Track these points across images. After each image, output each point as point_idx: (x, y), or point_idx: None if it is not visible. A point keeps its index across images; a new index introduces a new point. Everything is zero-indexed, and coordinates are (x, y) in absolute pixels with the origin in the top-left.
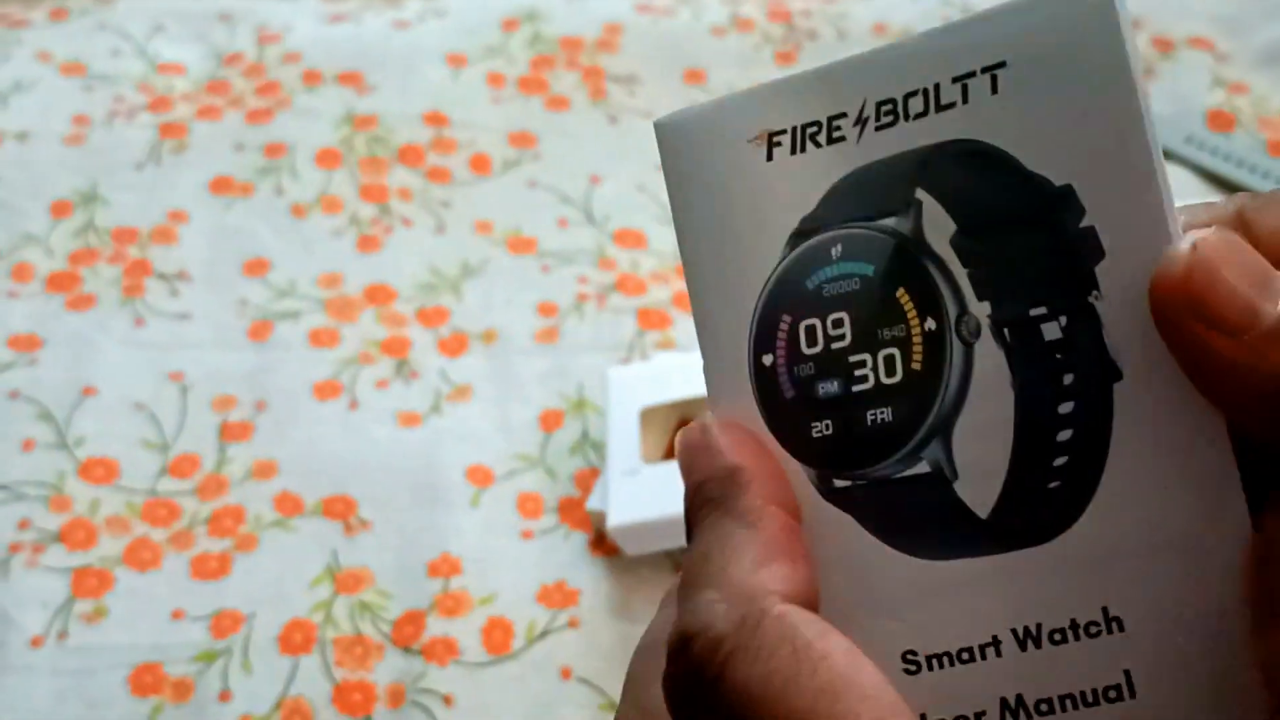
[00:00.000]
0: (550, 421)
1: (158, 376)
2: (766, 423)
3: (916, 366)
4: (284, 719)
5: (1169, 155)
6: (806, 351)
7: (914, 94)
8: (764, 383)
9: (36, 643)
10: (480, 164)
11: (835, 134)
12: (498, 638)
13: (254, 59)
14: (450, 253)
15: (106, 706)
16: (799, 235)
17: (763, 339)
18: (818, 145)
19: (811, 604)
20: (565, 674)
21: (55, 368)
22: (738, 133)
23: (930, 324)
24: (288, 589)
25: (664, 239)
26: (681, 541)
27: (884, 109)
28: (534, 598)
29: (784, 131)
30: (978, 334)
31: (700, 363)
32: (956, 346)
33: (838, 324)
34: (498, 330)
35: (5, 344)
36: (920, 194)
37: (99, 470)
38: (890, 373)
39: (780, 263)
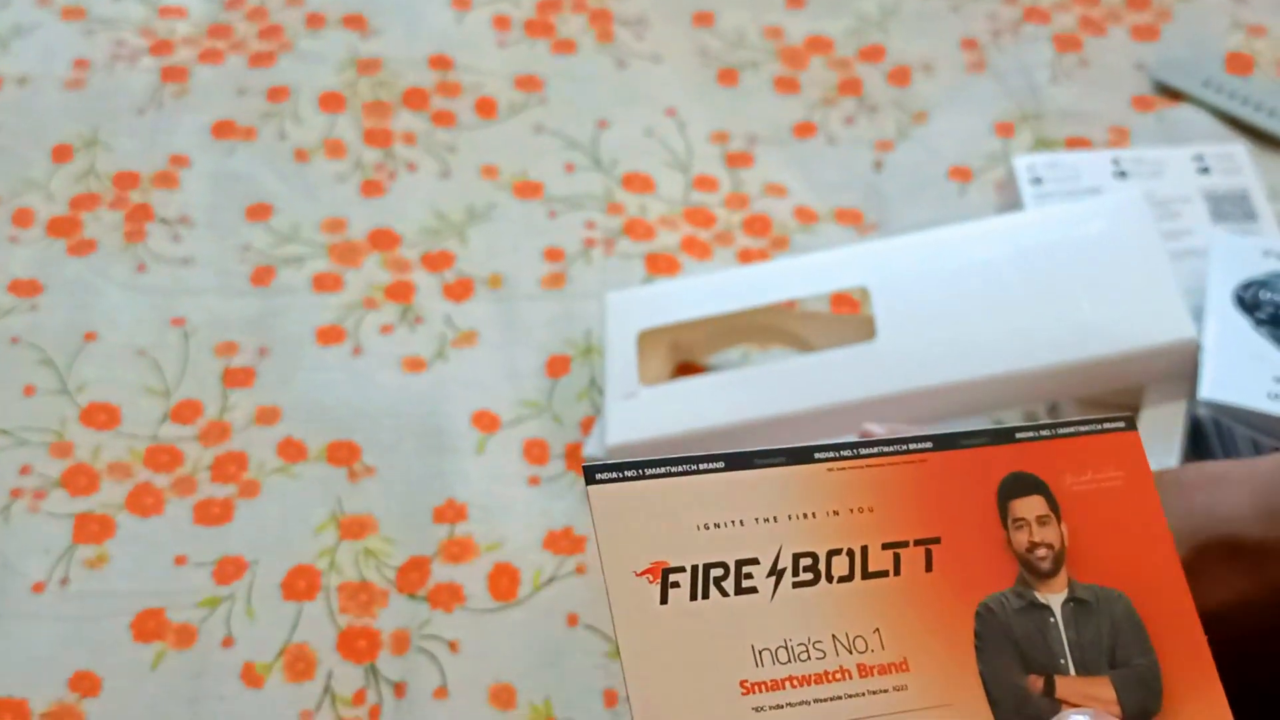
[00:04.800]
0: (557, 367)
1: (159, 322)
2: None
3: None
4: (287, 665)
5: (1187, 98)
6: None
7: None
8: None
9: (38, 588)
10: (486, 108)
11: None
12: (504, 584)
13: (256, 2)
14: (455, 197)
15: (109, 652)
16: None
17: None
18: None
19: None
20: (572, 621)
21: (56, 313)
22: None
23: None
24: (291, 535)
25: (672, 183)
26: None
27: None
28: (541, 544)
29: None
30: None
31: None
32: None
33: None
34: (504, 275)
35: (6, 289)
36: None
37: (101, 416)
38: None
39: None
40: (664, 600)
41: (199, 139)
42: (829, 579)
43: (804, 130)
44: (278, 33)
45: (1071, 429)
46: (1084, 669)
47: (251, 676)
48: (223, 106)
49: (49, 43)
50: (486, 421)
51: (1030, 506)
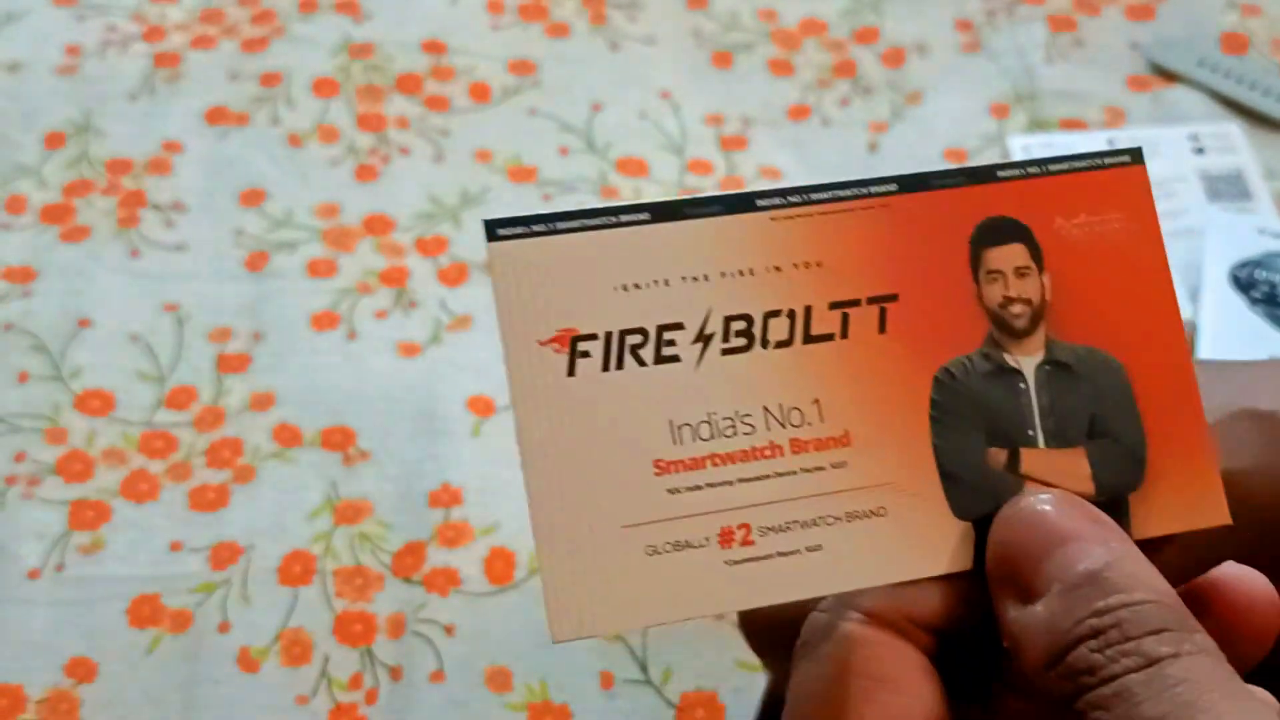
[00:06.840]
0: None
1: (153, 308)
2: None
3: None
4: (284, 650)
5: (1182, 78)
6: None
7: None
8: None
9: (34, 575)
10: (480, 92)
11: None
12: (499, 568)
13: None
14: (449, 182)
15: (105, 638)
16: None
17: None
18: None
19: None
20: None
21: (50, 299)
22: None
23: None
24: (287, 520)
25: (667, 166)
26: None
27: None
28: None
29: None
30: None
31: None
32: None
33: None
34: None
35: None
36: None
37: (95, 402)
38: None
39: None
40: (571, 372)
41: (192, 125)
42: (764, 344)
43: (798, 112)
44: (270, 18)
45: (1066, 164)
46: (1056, 440)
47: (247, 661)
48: (216, 92)
49: (40, 28)
50: (481, 405)
51: (1008, 256)
